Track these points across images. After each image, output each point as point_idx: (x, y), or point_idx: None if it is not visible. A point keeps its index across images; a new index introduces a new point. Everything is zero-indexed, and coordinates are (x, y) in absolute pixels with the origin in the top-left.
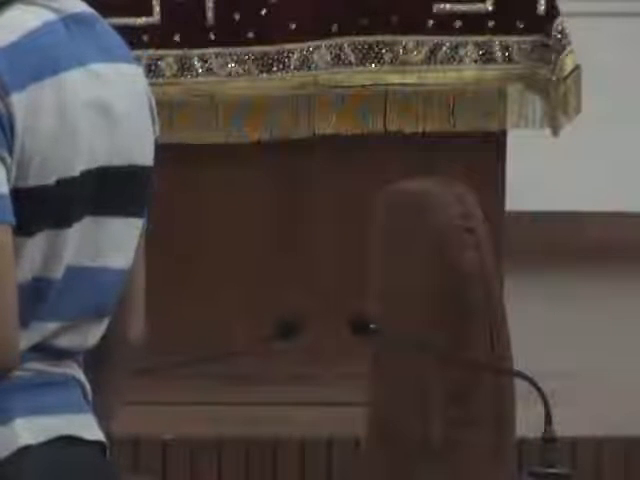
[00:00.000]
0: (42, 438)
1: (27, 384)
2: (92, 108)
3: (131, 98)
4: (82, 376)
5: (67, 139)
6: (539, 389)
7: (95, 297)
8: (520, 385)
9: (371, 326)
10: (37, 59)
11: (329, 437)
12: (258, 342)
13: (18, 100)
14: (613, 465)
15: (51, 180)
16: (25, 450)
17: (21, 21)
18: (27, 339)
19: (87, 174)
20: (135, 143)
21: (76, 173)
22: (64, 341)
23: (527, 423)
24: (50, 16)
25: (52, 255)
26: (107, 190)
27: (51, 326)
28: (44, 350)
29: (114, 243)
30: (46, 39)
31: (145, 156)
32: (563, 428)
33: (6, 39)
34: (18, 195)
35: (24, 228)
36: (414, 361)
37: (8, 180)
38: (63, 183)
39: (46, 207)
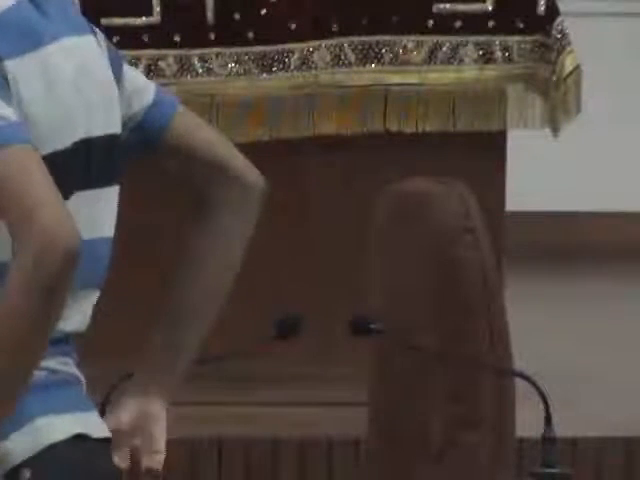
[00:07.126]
0: (62, 436)
1: (43, 383)
2: (72, 81)
3: (100, 69)
4: (79, 373)
5: (56, 112)
6: (539, 389)
7: (95, 269)
8: (520, 385)
9: (371, 326)
10: (17, 34)
11: (329, 437)
12: (258, 342)
13: (9, 66)
14: (613, 465)
15: (44, 152)
16: (51, 449)
17: None
18: None
19: (75, 146)
20: (108, 112)
21: (68, 145)
22: (69, 324)
23: (527, 423)
24: None
25: None
26: (92, 162)
27: None
28: (55, 341)
29: (104, 213)
30: (23, 16)
31: (117, 124)
32: (563, 428)
33: None
34: None
35: None
36: (414, 361)
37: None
38: (55, 155)
39: None
